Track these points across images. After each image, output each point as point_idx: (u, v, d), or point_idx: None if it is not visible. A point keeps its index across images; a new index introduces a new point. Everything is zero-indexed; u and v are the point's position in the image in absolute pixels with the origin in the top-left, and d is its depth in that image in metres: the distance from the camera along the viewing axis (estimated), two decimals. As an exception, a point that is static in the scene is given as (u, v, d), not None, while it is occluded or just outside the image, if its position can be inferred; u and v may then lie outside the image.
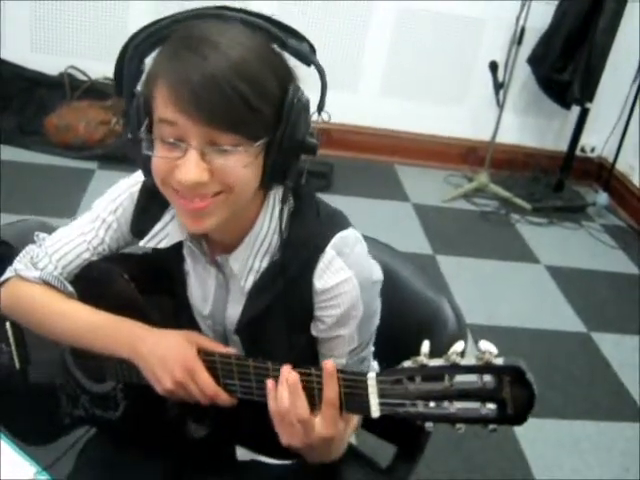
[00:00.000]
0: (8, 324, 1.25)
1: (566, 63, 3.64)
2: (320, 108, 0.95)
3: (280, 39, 0.93)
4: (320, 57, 0.96)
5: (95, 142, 3.53)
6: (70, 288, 1.14)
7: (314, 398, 0.93)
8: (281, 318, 1.05)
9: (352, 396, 0.91)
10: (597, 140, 4.03)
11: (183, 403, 1.05)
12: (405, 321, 1.23)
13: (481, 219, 3.63)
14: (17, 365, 1.27)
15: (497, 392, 0.81)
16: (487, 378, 0.81)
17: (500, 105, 3.64)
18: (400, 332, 1.14)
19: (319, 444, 0.95)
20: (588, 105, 3.72)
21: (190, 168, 0.89)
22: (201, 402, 1.03)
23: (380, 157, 4.02)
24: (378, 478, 1.32)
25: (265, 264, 1.04)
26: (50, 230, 1.19)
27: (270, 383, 0.95)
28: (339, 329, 1.04)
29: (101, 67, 3.58)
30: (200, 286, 1.12)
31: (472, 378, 0.82)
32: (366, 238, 1.08)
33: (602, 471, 2.18)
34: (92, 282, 1.14)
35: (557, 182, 3.93)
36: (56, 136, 3.53)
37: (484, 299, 2.95)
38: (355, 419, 1.01)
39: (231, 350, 1.05)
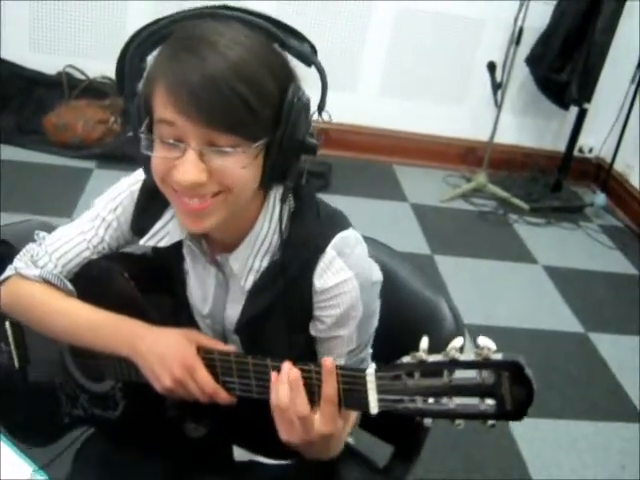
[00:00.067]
0: (8, 323, 1.25)
1: (564, 63, 3.65)
2: (321, 108, 0.95)
3: (280, 39, 0.93)
4: (319, 57, 0.96)
5: (93, 141, 3.53)
6: (70, 286, 1.14)
7: (313, 395, 0.93)
8: (281, 318, 1.05)
9: (351, 392, 0.91)
10: (595, 141, 4.04)
11: (182, 403, 1.06)
12: (403, 321, 1.23)
13: (479, 219, 3.64)
14: (16, 365, 1.27)
15: (496, 388, 0.81)
16: (486, 374, 0.81)
17: (498, 105, 3.64)
18: (397, 332, 1.13)
19: (318, 441, 0.95)
20: (586, 106, 3.73)
21: (188, 169, 0.89)
22: (200, 400, 1.03)
23: (378, 157, 4.02)
24: (375, 478, 1.32)
25: (265, 264, 1.04)
26: (51, 230, 1.19)
27: (274, 376, 0.95)
28: (338, 329, 1.05)
29: (99, 66, 3.58)
30: (200, 285, 1.12)
31: (471, 374, 0.82)
32: (364, 238, 1.08)
33: (599, 470, 2.19)
34: (92, 280, 1.14)
35: (555, 182, 3.93)
36: (54, 135, 3.53)
37: (482, 299, 2.96)
38: (353, 417, 1.01)
39: (230, 348, 1.06)
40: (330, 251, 1.01)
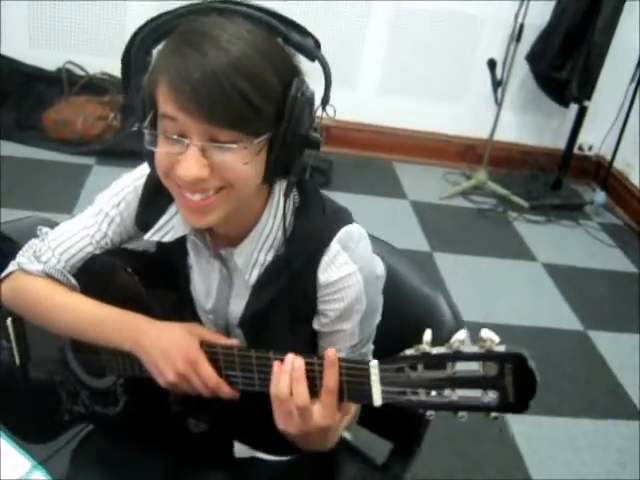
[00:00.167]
0: (9, 320, 1.25)
1: (565, 61, 3.65)
2: (324, 103, 0.95)
3: (283, 33, 0.93)
4: (321, 54, 0.97)
5: (93, 137, 3.53)
6: (73, 281, 1.15)
7: (315, 387, 0.93)
8: (285, 312, 1.05)
9: (354, 384, 0.91)
10: (595, 138, 4.04)
11: (183, 398, 1.06)
12: (402, 318, 1.22)
13: (479, 217, 3.64)
14: (17, 361, 1.27)
15: (499, 380, 0.81)
16: (489, 366, 0.81)
17: (498, 103, 3.64)
18: (396, 329, 1.13)
19: (315, 433, 0.95)
20: (586, 103, 3.73)
21: (190, 164, 0.89)
22: (203, 394, 1.03)
23: (378, 154, 4.02)
24: (374, 474, 1.32)
25: (270, 258, 1.04)
26: (53, 226, 1.19)
27: (277, 366, 0.94)
28: (342, 323, 1.05)
29: (99, 62, 3.58)
30: (203, 280, 1.12)
31: (474, 366, 0.82)
32: (364, 235, 1.08)
33: (598, 468, 2.19)
34: (95, 275, 1.14)
35: (555, 180, 3.93)
36: (54, 131, 3.53)
37: (481, 297, 2.96)
38: (352, 410, 1.01)
39: (234, 341, 1.06)
40: (335, 245, 1.01)
